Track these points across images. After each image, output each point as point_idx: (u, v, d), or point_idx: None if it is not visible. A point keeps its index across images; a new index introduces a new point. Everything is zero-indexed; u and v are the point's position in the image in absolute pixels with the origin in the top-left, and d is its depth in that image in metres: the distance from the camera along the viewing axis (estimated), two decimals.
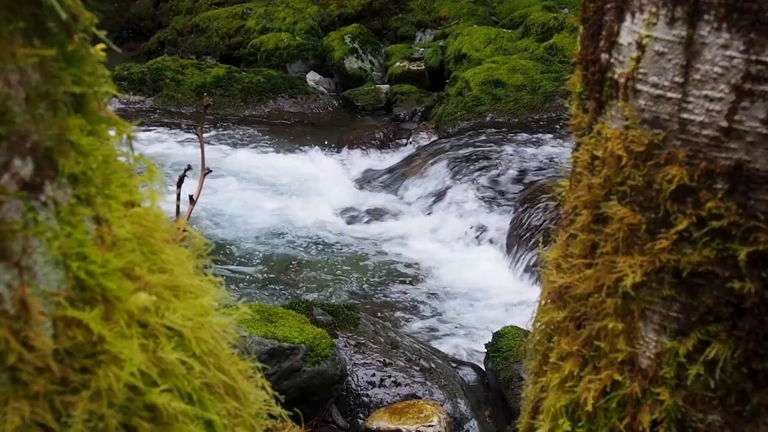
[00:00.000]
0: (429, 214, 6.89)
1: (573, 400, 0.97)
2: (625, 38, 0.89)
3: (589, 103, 0.95)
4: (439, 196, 6.98)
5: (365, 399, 4.08)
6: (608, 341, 0.93)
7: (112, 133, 0.69)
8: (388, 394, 4.09)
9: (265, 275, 5.97)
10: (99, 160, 0.66)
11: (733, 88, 0.81)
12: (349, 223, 6.90)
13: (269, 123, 9.31)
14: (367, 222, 6.92)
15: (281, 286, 5.82)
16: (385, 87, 9.90)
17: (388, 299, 5.69)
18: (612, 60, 0.91)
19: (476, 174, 7.02)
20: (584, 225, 0.95)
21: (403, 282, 5.94)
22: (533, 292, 5.17)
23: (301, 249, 6.42)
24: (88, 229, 0.65)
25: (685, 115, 0.85)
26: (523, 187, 6.71)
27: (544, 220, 6.00)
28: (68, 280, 0.63)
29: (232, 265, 6.07)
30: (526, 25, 9.76)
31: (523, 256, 5.92)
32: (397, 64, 10.17)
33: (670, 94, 0.85)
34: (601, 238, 0.93)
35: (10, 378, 0.60)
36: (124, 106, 9.35)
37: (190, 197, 1.45)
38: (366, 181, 7.84)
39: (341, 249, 6.45)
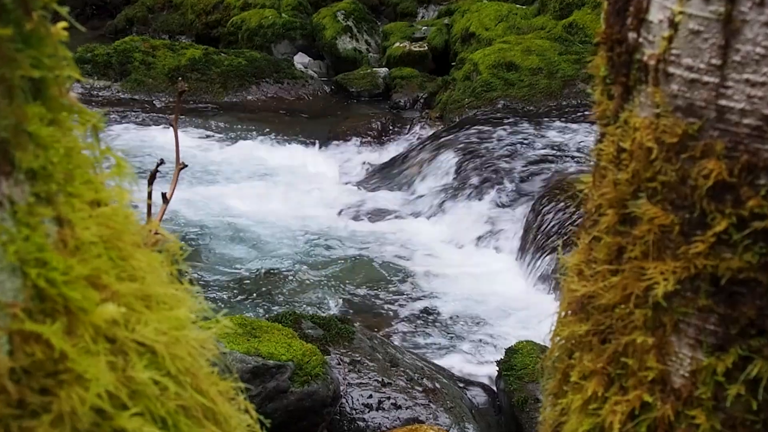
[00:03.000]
0: (432, 214, 6.89)
1: (597, 424, 0.97)
2: (655, 15, 0.89)
3: (615, 88, 0.95)
4: (444, 194, 6.99)
5: (361, 424, 4.08)
6: (637, 358, 0.93)
7: (75, 122, 0.69)
8: (387, 418, 4.09)
9: (248, 284, 5.97)
10: (61, 154, 0.66)
11: None
12: (342, 224, 6.90)
13: (252, 111, 9.30)
14: (363, 223, 6.92)
15: (266, 296, 5.82)
16: (383, 71, 9.90)
17: (387, 311, 5.70)
18: (641, 39, 0.91)
19: (486, 169, 7.02)
20: (609, 226, 0.95)
21: (404, 291, 5.94)
22: (551, 303, 5.18)
23: (288, 254, 6.42)
24: (49, 231, 0.65)
25: (723, 102, 0.85)
26: (539, 184, 6.71)
27: (564, 221, 6.01)
28: (26, 289, 0.63)
29: (211, 272, 6.07)
30: None
31: (540, 262, 5.92)
32: (397, 44, 10.17)
33: (706, 78, 0.85)
34: (629, 241, 0.93)
35: None
36: (88, 92, 9.34)
37: (164, 195, 1.45)
38: (361, 177, 7.84)
39: (333, 254, 6.46)
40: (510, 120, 7.91)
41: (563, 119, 7.85)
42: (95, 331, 0.66)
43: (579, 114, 7.87)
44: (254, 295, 5.84)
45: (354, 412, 4.10)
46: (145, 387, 0.68)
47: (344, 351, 4.32)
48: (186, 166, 1.59)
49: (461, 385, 4.62)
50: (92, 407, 0.64)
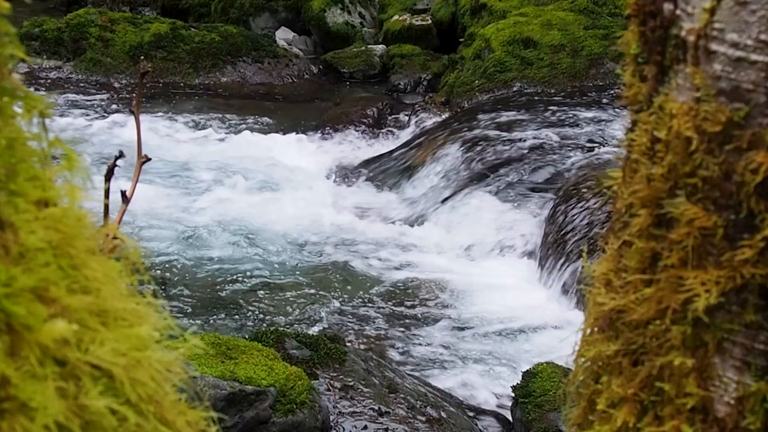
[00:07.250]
0: (436, 216, 6.89)
1: None
2: None
3: (648, 68, 0.95)
4: (450, 192, 6.98)
5: None
6: (674, 382, 0.93)
7: (18, 109, 0.69)
8: None
9: (222, 296, 5.96)
10: (2, 146, 0.66)
11: None
12: (331, 227, 6.90)
13: (226, 96, 9.30)
14: (356, 226, 6.91)
15: (243, 311, 5.82)
16: (380, 48, 9.90)
17: (384, 328, 5.69)
18: (678, 12, 0.91)
19: (499, 163, 7.02)
20: (642, 229, 0.95)
21: (404, 306, 5.94)
22: (575, 318, 5.18)
23: (269, 262, 6.41)
24: None
25: None
26: (561, 181, 6.72)
27: (590, 224, 6.01)
28: None
29: (178, 283, 6.07)
30: None
31: (561, 271, 5.92)
32: (396, 17, 10.18)
33: (754, 57, 0.85)
34: (665, 246, 0.93)
35: None
36: (35, 73, 9.33)
37: (123, 194, 1.45)
38: (354, 172, 7.83)
39: (322, 262, 6.45)
40: (527, 105, 7.92)
41: (589, 104, 7.86)
42: (42, 352, 0.65)
43: (607, 98, 7.87)
44: (229, 309, 5.83)
45: None
46: (101, 417, 0.68)
47: (334, 375, 4.32)
48: (149, 159, 1.59)
49: (471, 414, 4.62)
50: None
